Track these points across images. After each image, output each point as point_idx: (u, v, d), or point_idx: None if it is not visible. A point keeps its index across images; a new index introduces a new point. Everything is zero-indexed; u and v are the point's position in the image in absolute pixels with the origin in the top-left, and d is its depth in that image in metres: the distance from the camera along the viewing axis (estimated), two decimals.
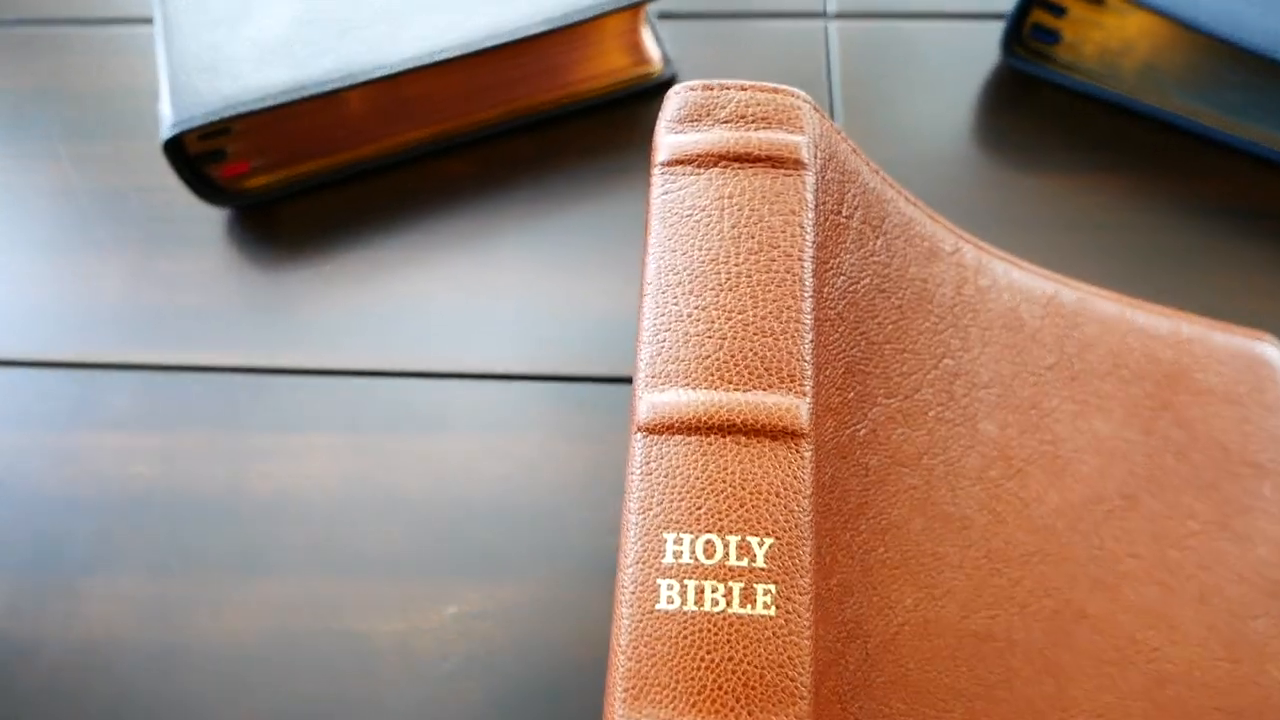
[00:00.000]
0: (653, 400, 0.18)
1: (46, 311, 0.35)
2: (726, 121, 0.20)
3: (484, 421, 0.32)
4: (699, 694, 0.16)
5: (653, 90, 0.39)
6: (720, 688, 0.16)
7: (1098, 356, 0.27)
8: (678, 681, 0.16)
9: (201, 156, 0.34)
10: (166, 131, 0.32)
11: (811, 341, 0.18)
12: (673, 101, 0.21)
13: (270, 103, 0.33)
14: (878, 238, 0.23)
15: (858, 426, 0.21)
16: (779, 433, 0.17)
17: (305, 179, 0.36)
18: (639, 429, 0.18)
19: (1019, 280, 0.27)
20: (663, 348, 0.18)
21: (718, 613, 0.16)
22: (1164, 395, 0.27)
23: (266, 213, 0.36)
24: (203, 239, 0.36)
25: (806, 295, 0.19)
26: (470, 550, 0.29)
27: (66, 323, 0.34)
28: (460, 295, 0.34)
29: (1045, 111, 0.37)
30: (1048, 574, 0.24)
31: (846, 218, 0.21)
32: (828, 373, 0.19)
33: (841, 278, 0.21)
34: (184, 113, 0.32)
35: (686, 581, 0.16)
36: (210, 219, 0.37)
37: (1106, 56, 0.36)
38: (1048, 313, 0.27)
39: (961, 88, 0.38)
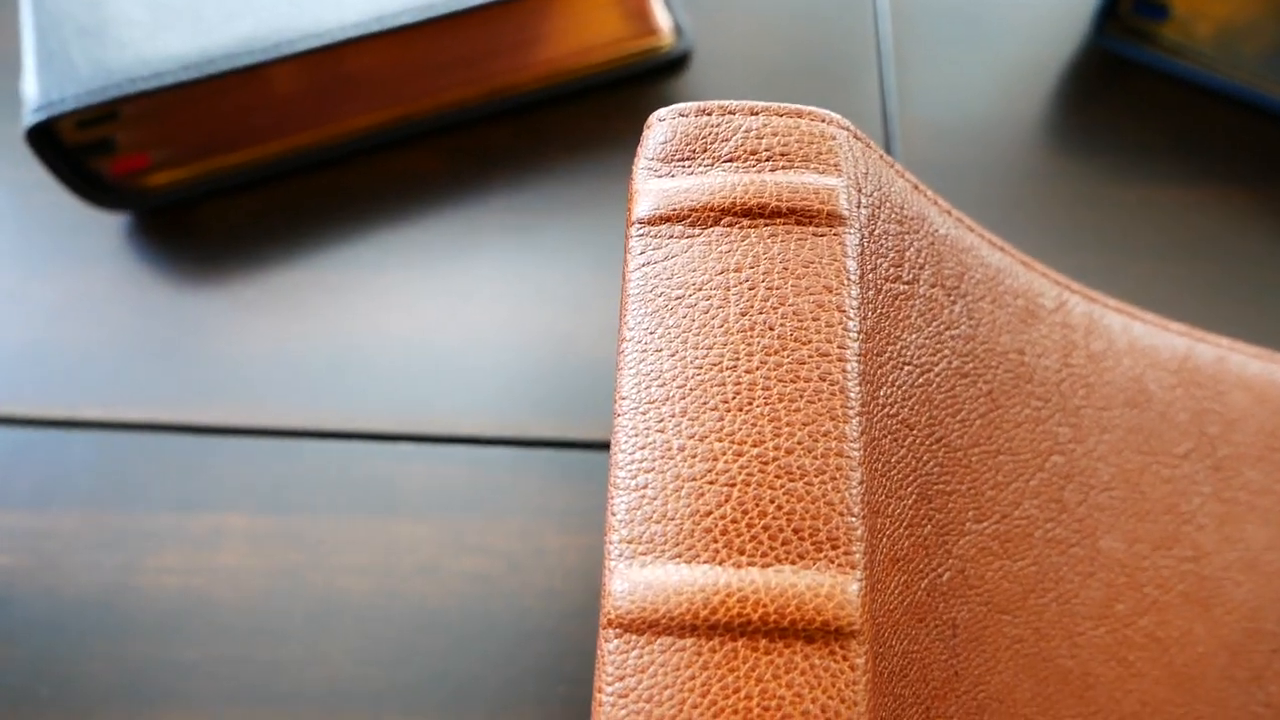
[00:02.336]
0: (632, 579, 0.13)
1: None
2: (731, 160, 0.16)
3: (450, 501, 0.27)
4: None
5: (661, 68, 0.34)
6: None
7: (1246, 437, 0.23)
8: None
9: (83, 148, 0.28)
10: (31, 116, 0.26)
11: (862, 482, 0.14)
12: (656, 133, 0.16)
13: (170, 80, 0.27)
14: (955, 302, 0.18)
15: (939, 571, 0.16)
16: (817, 632, 0.13)
17: (223, 176, 0.31)
18: (610, 623, 0.13)
19: (1141, 339, 0.23)
20: (644, 499, 0.14)
21: None
22: None
23: (174, 218, 0.31)
24: (93, 253, 0.30)
25: (852, 413, 0.14)
26: (430, 676, 0.25)
27: None
28: (420, 330, 0.29)
29: (1145, 105, 0.32)
30: None
31: (909, 283, 0.17)
32: (892, 510, 0.15)
33: (907, 369, 0.16)
34: (54, 92, 0.26)
35: None
36: (104, 226, 0.30)
37: (1226, 38, 0.30)
38: (1180, 380, 0.23)
39: (1041, 73, 0.33)
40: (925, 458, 0.16)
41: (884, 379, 0.15)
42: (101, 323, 0.29)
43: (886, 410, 0.15)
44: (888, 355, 0.16)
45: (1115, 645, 0.19)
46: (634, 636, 0.13)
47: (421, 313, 0.29)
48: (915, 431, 0.16)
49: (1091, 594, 0.19)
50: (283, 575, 0.26)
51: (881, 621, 0.14)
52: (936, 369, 0.17)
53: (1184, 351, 0.22)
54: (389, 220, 0.31)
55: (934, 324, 0.17)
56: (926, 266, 0.17)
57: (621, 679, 0.13)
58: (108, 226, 0.31)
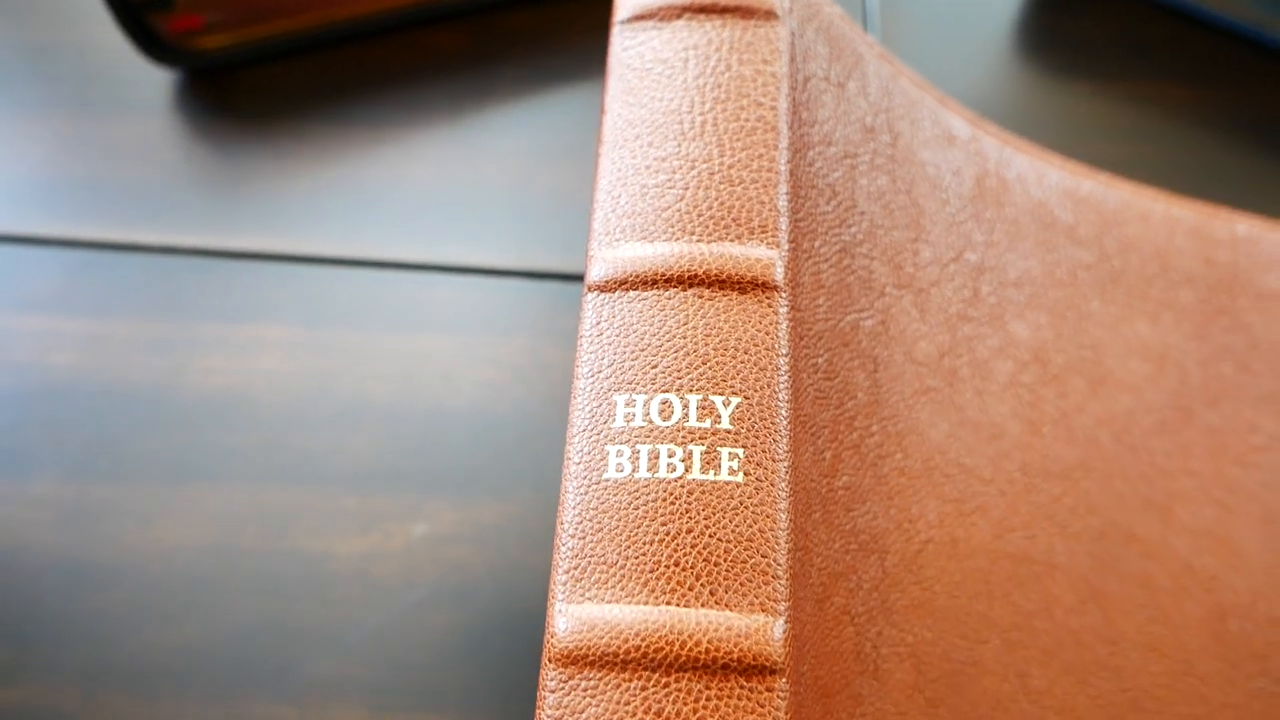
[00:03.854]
0: (604, 257, 0.17)
1: None
2: None
3: (464, 320, 0.29)
4: (652, 571, 0.15)
5: None
6: (677, 564, 0.15)
7: (1142, 258, 0.25)
8: (628, 559, 0.15)
9: (146, 3, 0.30)
10: None
11: (788, 194, 0.17)
12: None
13: None
14: (878, 115, 0.22)
15: (862, 314, 0.20)
16: (748, 285, 0.16)
17: (268, 42, 0.34)
18: (590, 289, 0.17)
19: (1049, 175, 0.26)
20: (618, 204, 0.17)
21: (674, 479, 0.15)
22: (1219, 300, 0.26)
23: (222, 78, 0.34)
24: (147, 104, 0.33)
25: (781, 146, 0.18)
26: (444, 464, 0.27)
27: None
28: (441, 179, 0.32)
29: (1099, 12, 0.35)
30: (1091, 491, 0.23)
31: (837, 86, 0.20)
32: (817, 244, 0.18)
33: (833, 148, 0.20)
34: None
35: (639, 446, 0.15)
36: (157, 82, 0.33)
37: None
38: (1084, 209, 0.25)
39: None
40: (849, 221, 0.19)
41: (811, 144, 0.19)
42: (154, 162, 0.32)
43: (813, 169, 0.18)
44: (815, 130, 0.19)
45: (1021, 407, 0.22)
46: (607, 295, 0.16)
47: (442, 165, 0.32)
48: (840, 197, 0.19)
49: (1001, 366, 0.22)
50: (316, 378, 0.28)
51: (806, 317, 0.17)
52: (860, 157, 0.20)
53: (1088, 189, 0.25)
54: (416, 88, 0.33)
55: (858, 123, 0.20)
56: (852, 79, 0.20)
57: (597, 324, 0.16)
58: (161, 82, 0.33)
